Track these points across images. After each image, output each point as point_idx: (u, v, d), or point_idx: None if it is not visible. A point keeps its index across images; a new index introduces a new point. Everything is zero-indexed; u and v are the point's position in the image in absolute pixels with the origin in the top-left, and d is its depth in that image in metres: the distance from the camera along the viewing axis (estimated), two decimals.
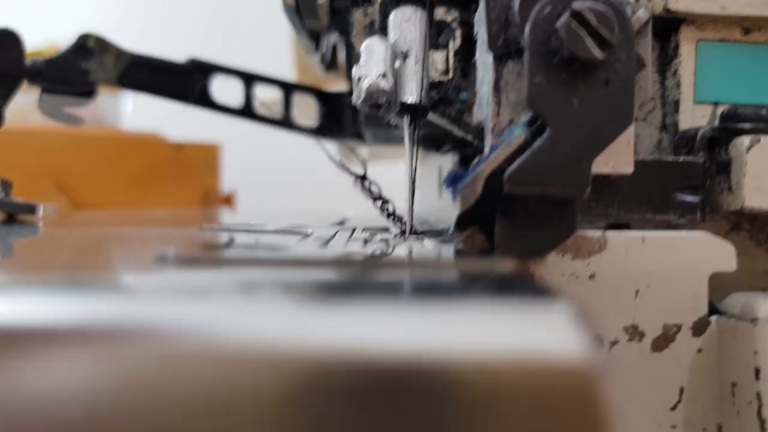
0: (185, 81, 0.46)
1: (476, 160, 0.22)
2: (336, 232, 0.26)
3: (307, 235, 0.24)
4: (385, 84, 0.25)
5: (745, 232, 0.26)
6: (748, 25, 0.27)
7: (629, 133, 0.21)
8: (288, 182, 1.14)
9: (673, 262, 0.22)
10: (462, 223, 0.21)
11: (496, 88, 0.21)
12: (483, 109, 0.23)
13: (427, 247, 0.22)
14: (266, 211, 0.74)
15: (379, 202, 0.31)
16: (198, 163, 0.96)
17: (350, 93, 0.61)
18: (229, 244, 0.17)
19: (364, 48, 0.26)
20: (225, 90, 0.51)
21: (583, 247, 0.22)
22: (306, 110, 0.59)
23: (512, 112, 0.21)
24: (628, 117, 0.20)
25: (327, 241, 0.22)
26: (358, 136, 0.59)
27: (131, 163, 0.93)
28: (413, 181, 0.27)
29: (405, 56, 0.27)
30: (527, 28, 0.19)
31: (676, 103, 0.27)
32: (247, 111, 0.51)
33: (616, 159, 0.21)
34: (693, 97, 0.27)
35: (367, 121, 0.44)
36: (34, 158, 0.86)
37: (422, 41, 0.27)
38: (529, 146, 0.19)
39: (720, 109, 0.27)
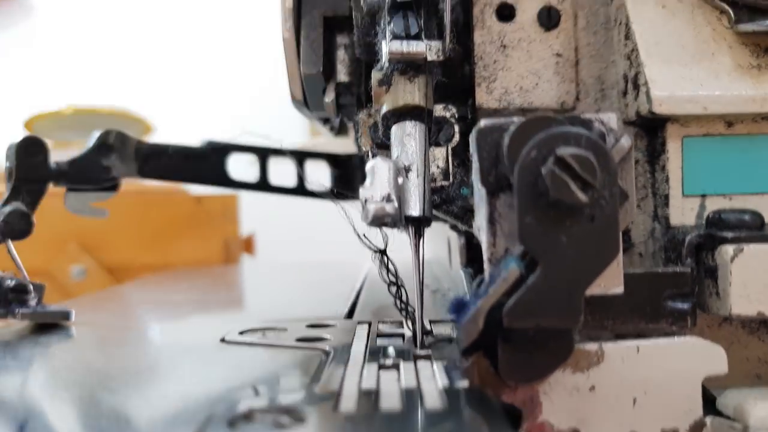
0: (203, 163, 0.49)
1: (476, 284, 0.23)
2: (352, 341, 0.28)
3: (327, 353, 0.26)
4: (390, 208, 0.26)
5: (737, 322, 0.27)
6: (730, 119, 0.28)
7: (618, 256, 0.22)
8: (303, 221, 1.16)
9: (667, 368, 0.24)
10: (468, 350, 0.22)
11: (491, 221, 0.22)
12: (480, 234, 0.24)
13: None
14: (283, 267, 0.76)
15: (394, 289, 0.32)
16: (217, 214, 0.99)
17: (360, 157, 0.63)
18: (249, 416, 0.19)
19: (369, 169, 0.27)
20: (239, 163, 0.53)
21: (582, 361, 0.23)
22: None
23: (507, 241, 0.23)
24: (615, 249, 0.21)
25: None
26: None
27: (154, 218, 0.96)
28: (421, 290, 0.28)
29: (407, 170, 0.28)
30: (516, 172, 0.21)
31: (666, 197, 0.28)
32: (263, 184, 0.53)
33: (607, 280, 0.22)
34: (681, 191, 0.28)
35: None
36: (58, 220, 0.89)
37: (422, 155, 0.29)
38: (524, 281, 0.21)
39: (708, 201, 0.28)
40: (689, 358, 0.24)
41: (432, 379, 0.22)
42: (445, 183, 0.31)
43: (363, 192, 0.27)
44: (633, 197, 0.22)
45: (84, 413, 0.21)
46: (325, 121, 0.51)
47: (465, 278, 0.35)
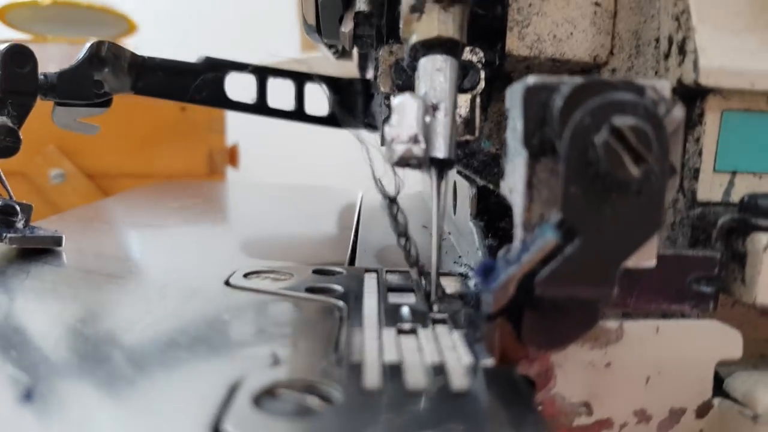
0: (201, 82, 0.46)
1: (504, 250, 0.22)
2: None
3: (339, 309, 0.25)
4: (417, 150, 0.25)
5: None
6: None
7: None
8: (288, 133, 1.13)
9: (683, 350, 0.24)
10: (493, 315, 0.21)
11: (529, 185, 0.21)
12: (513, 196, 0.23)
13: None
14: (273, 189, 0.74)
15: (403, 240, 0.31)
16: (202, 124, 0.95)
17: (362, 80, 0.60)
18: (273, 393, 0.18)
19: (397, 106, 0.26)
20: (237, 84, 0.50)
21: (602, 338, 0.23)
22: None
23: (543, 207, 0.22)
24: (657, 224, 0.20)
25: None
26: (369, 125, 0.59)
27: (137, 125, 0.92)
28: (440, 241, 0.27)
29: (435, 108, 0.27)
30: (566, 138, 0.19)
31: (696, 171, 0.27)
32: (261, 106, 0.51)
33: (640, 254, 0.22)
34: (713, 167, 0.27)
35: None
36: (37, 121, 0.86)
37: (452, 93, 0.27)
38: (560, 251, 0.20)
39: (738, 179, 0.28)
40: (706, 340, 0.24)
41: (453, 350, 0.22)
42: (469, 137, 0.29)
43: (389, 130, 0.25)
44: (678, 171, 0.21)
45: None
46: (330, 45, 0.49)
47: (476, 230, 0.34)
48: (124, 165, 0.90)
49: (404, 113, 0.26)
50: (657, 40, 0.30)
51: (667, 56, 0.28)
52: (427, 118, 0.26)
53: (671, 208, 0.30)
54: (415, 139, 0.25)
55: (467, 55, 0.32)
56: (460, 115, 0.31)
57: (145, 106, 0.93)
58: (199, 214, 0.53)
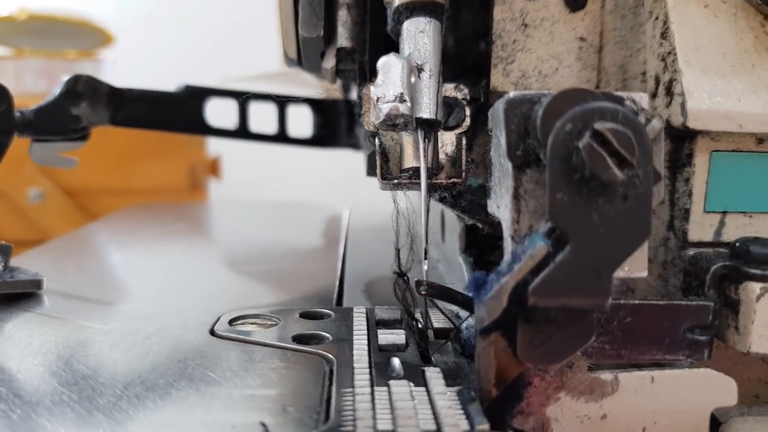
0: (180, 110, 0.45)
1: (500, 266, 0.22)
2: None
3: (328, 362, 0.25)
4: (404, 108, 0.25)
5: None
6: (762, 136, 0.27)
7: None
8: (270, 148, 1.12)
9: (679, 399, 0.23)
10: (487, 329, 0.21)
11: (515, 196, 0.21)
12: (500, 211, 0.23)
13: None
14: (258, 207, 0.73)
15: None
16: (183, 138, 0.94)
17: (346, 102, 0.60)
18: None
19: (382, 66, 0.25)
20: (217, 106, 0.50)
21: (597, 390, 0.23)
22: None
23: (531, 218, 0.21)
24: (646, 230, 0.20)
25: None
26: (353, 146, 0.58)
27: (116, 140, 0.90)
28: (428, 204, 0.27)
29: (420, 70, 0.26)
30: (549, 145, 0.19)
31: (687, 211, 0.27)
32: (243, 131, 0.50)
33: (632, 264, 0.21)
34: (703, 207, 0.27)
35: None
36: (15, 143, 0.85)
37: (436, 54, 0.27)
38: (551, 259, 0.20)
39: (729, 218, 0.27)
40: (701, 389, 0.24)
41: (449, 411, 0.21)
42: (456, 180, 0.29)
43: (375, 90, 0.25)
44: (663, 179, 0.21)
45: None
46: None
47: (465, 266, 0.34)
48: (104, 181, 0.89)
49: (389, 73, 0.26)
50: (644, 74, 0.30)
51: (654, 96, 0.28)
52: (413, 79, 0.26)
53: (662, 245, 0.29)
54: (401, 98, 0.25)
55: (452, 92, 0.31)
56: (446, 154, 0.31)
57: None
58: (183, 242, 0.52)
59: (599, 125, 0.19)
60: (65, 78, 0.39)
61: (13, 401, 0.21)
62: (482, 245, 0.35)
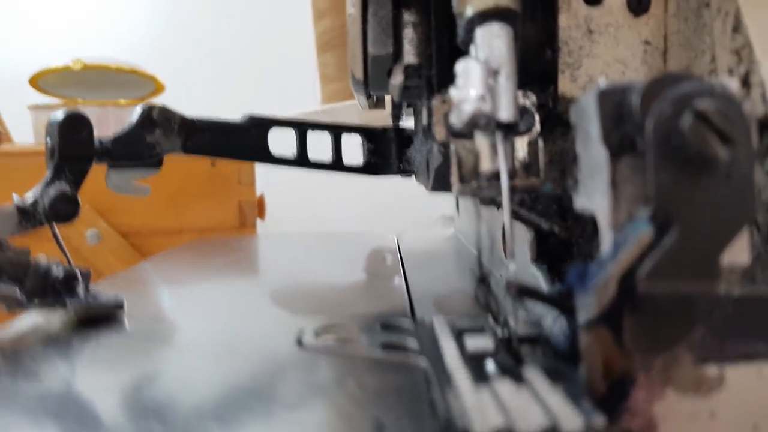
0: (246, 139, 0.46)
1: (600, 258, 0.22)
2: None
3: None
4: (486, 107, 0.25)
5: None
6: None
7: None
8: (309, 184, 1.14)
9: None
10: (593, 321, 0.21)
11: (613, 184, 0.21)
12: (595, 201, 0.23)
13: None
14: (308, 238, 0.74)
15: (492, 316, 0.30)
16: (232, 176, 0.96)
17: (395, 129, 0.61)
18: None
19: (461, 70, 0.26)
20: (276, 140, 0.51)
21: (703, 385, 0.22)
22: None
23: (629, 206, 0.21)
24: (750, 209, 0.20)
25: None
26: (405, 172, 0.59)
27: (168, 181, 0.93)
28: (509, 205, 0.27)
29: (496, 73, 0.27)
30: (649, 127, 0.19)
31: None
32: (302, 160, 0.51)
33: (733, 249, 0.21)
34: None
35: None
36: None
37: (511, 57, 0.27)
38: (657, 244, 0.20)
39: None
40: None
41: (564, 413, 0.21)
42: (535, 181, 0.29)
43: (456, 93, 0.26)
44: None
45: None
46: (369, 95, 0.49)
47: (540, 275, 0.33)
48: (155, 222, 0.91)
49: (469, 76, 0.26)
50: (710, 73, 0.30)
51: None
52: (491, 82, 0.26)
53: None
54: (483, 99, 0.25)
55: (520, 99, 0.32)
56: (518, 159, 0.31)
57: (175, 161, 0.94)
58: (240, 271, 0.53)
59: (700, 104, 0.19)
60: (140, 108, 0.41)
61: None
62: (554, 253, 0.35)
